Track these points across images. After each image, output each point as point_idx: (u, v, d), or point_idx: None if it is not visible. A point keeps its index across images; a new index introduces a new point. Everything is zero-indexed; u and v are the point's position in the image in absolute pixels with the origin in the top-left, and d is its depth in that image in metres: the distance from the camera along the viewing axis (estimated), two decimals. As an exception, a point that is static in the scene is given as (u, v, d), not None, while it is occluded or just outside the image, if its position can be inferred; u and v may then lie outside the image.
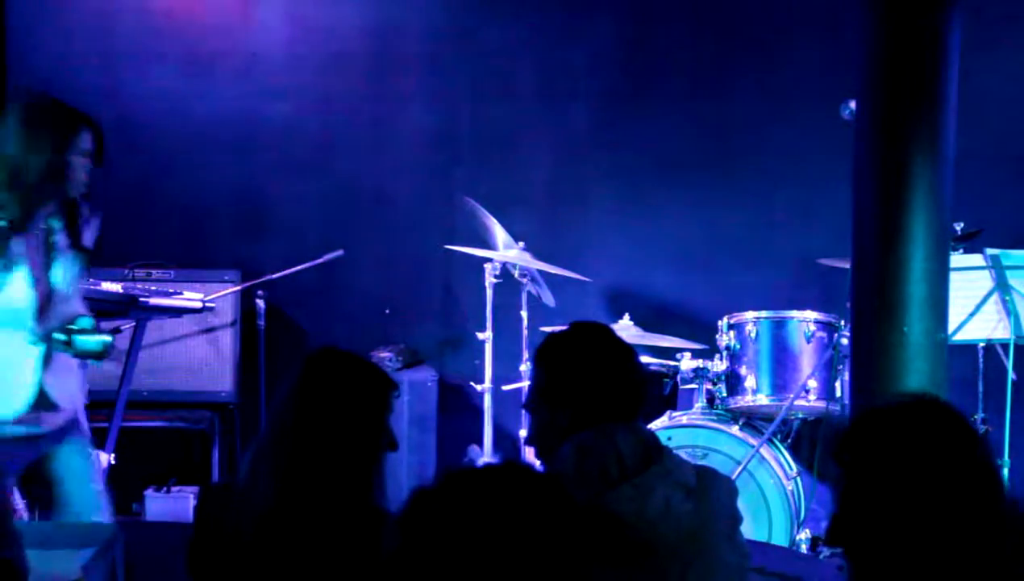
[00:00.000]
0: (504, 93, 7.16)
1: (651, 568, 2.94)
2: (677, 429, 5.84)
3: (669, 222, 7.08)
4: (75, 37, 7.08)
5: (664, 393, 6.26)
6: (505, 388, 6.17)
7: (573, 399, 3.07)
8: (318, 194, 7.13)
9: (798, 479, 5.83)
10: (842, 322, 5.78)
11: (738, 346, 5.98)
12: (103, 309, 5.75)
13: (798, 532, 5.72)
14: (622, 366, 3.12)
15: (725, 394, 5.98)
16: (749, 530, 5.46)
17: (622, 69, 7.13)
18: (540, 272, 6.20)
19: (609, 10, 7.14)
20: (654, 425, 5.83)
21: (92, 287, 5.74)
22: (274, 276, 6.35)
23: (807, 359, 5.90)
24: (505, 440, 6.39)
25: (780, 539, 5.70)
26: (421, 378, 6.63)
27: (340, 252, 6.42)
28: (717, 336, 6.07)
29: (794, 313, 5.97)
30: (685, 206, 7.07)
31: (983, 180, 6.41)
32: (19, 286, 4.26)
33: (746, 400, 5.93)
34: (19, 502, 5.58)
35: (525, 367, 6.07)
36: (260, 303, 6.35)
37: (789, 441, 6.09)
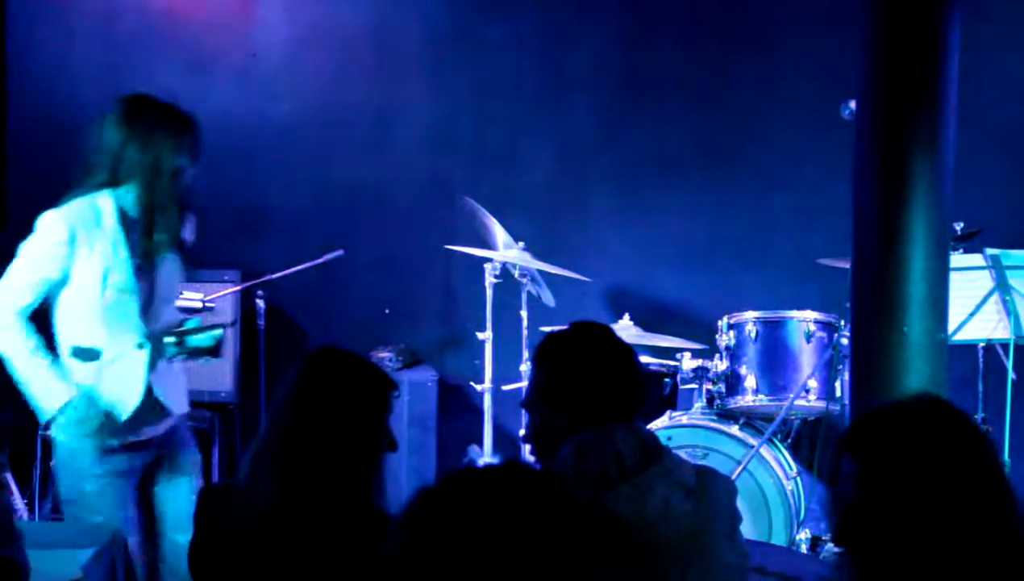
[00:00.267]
0: (504, 93, 7.16)
1: (651, 568, 2.94)
2: (677, 429, 5.84)
3: (669, 222, 7.09)
4: (75, 37, 7.08)
5: (664, 393, 6.26)
6: (505, 388, 6.17)
7: (572, 399, 3.07)
8: (318, 194, 7.13)
9: (798, 479, 5.83)
10: (842, 322, 5.78)
11: (738, 346, 5.98)
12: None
13: (798, 532, 5.72)
14: (622, 366, 3.12)
15: (725, 394, 5.98)
16: (749, 530, 5.46)
17: (622, 69, 7.14)
18: (540, 272, 6.20)
19: (609, 10, 7.14)
20: (654, 425, 5.83)
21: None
22: (274, 276, 6.35)
23: (807, 359, 5.90)
24: (505, 440, 6.40)
25: (780, 539, 5.70)
26: (421, 378, 6.63)
27: (340, 252, 6.41)
28: (717, 336, 6.07)
29: (794, 313, 5.97)
30: (685, 206, 7.08)
31: (983, 180, 6.42)
32: (129, 284, 4.18)
33: (746, 400, 5.93)
34: (19, 502, 5.59)
35: (525, 367, 6.07)
36: (260, 303, 6.35)
37: (789, 441, 6.09)
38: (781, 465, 5.81)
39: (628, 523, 2.92)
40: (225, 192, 7.08)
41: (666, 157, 7.08)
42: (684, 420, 5.91)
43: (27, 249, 4.22)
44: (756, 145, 7.01)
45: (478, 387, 6.17)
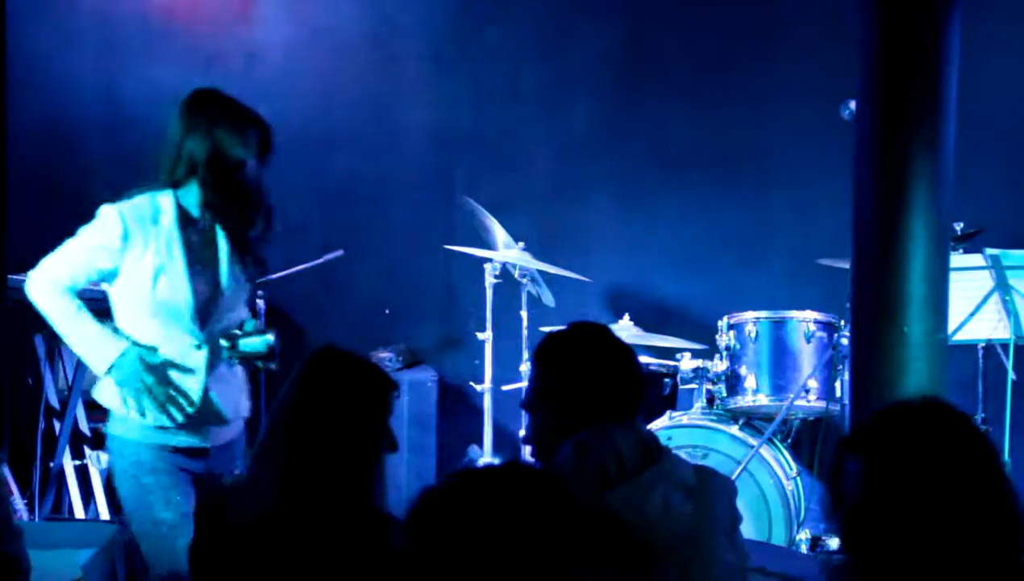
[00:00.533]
0: (504, 93, 7.16)
1: (650, 568, 2.94)
2: (677, 429, 5.84)
3: (669, 222, 7.09)
4: (75, 37, 7.08)
5: (664, 393, 6.25)
6: (505, 388, 6.17)
7: (572, 399, 3.07)
8: (318, 194, 7.13)
9: (798, 479, 5.83)
10: (842, 322, 5.78)
11: (738, 346, 5.98)
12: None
13: (798, 532, 5.72)
14: (621, 366, 3.12)
15: (725, 394, 5.98)
16: (749, 530, 5.46)
17: (622, 69, 7.14)
18: (540, 272, 6.20)
19: (609, 10, 7.14)
20: (654, 425, 5.83)
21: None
22: (274, 276, 6.34)
23: (807, 359, 5.90)
24: (505, 440, 6.39)
25: (780, 539, 5.70)
26: (421, 378, 6.63)
27: (340, 252, 6.41)
28: (717, 336, 6.06)
29: (794, 313, 5.97)
30: (685, 206, 7.08)
31: (983, 180, 6.42)
32: (182, 283, 4.10)
33: (746, 400, 5.93)
34: (19, 502, 5.59)
35: (525, 367, 6.07)
36: (260, 303, 6.35)
37: (789, 441, 6.09)
38: (781, 465, 5.81)
39: (628, 523, 2.92)
40: (225, 192, 7.07)
41: (666, 157, 7.08)
42: (684, 420, 5.91)
43: (81, 234, 4.19)
44: (756, 145, 7.01)
45: (478, 387, 6.17)
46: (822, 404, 5.84)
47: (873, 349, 4.36)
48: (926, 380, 4.29)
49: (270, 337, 4.15)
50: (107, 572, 4.36)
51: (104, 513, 5.84)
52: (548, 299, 6.30)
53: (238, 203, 4.16)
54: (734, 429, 5.83)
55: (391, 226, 7.13)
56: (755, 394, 5.92)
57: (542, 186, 7.12)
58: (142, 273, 4.08)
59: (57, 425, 5.79)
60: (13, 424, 6.05)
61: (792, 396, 5.78)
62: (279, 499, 3.00)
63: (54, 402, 5.83)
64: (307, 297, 7.00)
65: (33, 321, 5.81)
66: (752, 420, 5.97)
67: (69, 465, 5.81)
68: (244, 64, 7.11)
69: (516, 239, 6.16)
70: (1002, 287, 5.48)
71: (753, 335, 5.95)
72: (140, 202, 4.16)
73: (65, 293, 4.13)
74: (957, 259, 5.25)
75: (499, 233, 6.14)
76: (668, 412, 6.01)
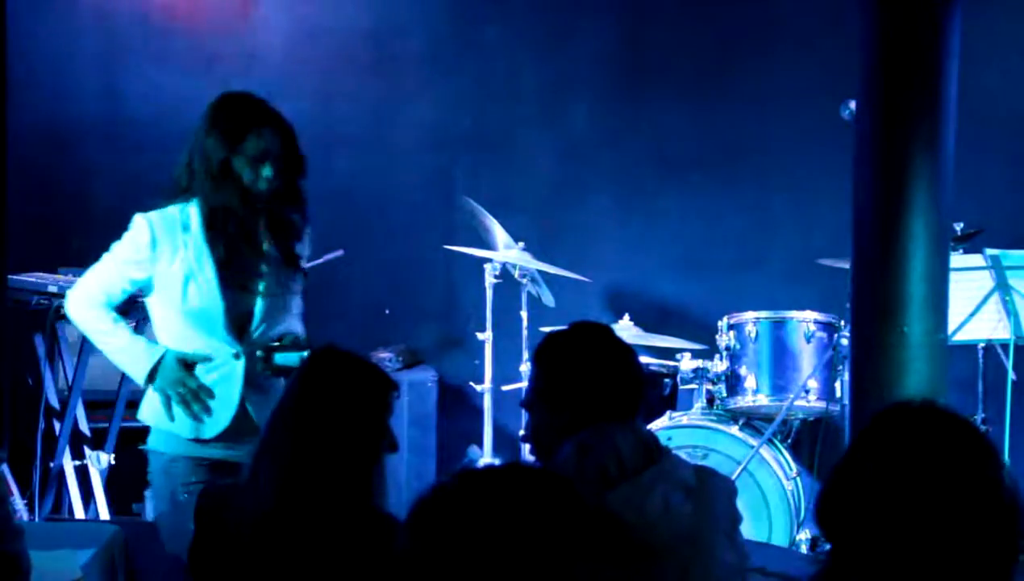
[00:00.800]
0: (504, 93, 7.16)
1: (650, 568, 2.94)
2: (677, 429, 5.83)
3: (669, 222, 7.08)
4: (75, 37, 7.07)
5: (664, 393, 6.25)
6: (505, 388, 6.17)
7: (572, 399, 3.07)
8: (318, 194, 7.11)
9: (798, 479, 5.83)
10: (842, 322, 5.77)
11: (738, 346, 5.98)
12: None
13: (798, 532, 5.72)
14: (621, 366, 3.12)
15: (725, 394, 5.98)
16: (749, 530, 5.46)
17: (622, 69, 7.13)
18: (540, 272, 6.20)
19: (609, 10, 7.14)
20: (654, 425, 5.83)
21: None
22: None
23: (807, 359, 5.89)
24: (505, 440, 6.39)
25: (780, 539, 5.70)
26: (421, 378, 6.63)
27: (340, 252, 6.41)
28: (717, 336, 6.06)
29: (794, 313, 5.97)
30: (685, 206, 7.08)
31: (983, 180, 6.41)
32: (213, 292, 4.02)
33: (746, 400, 5.93)
34: (19, 502, 5.59)
35: (525, 367, 6.07)
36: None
37: (789, 441, 6.08)
38: (781, 465, 5.81)
39: (628, 523, 2.92)
40: (225, 192, 7.07)
41: (666, 157, 7.08)
42: (684, 420, 5.91)
43: (114, 247, 4.15)
44: (756, 145, 7.01)
45: (478, 387, 6.17)
46: (822, 404, 5.84)
47: (873, 349, 4.36)
48: (926, 380, 4.29)
49: (307, 353, 3.99)
50: (107, 572, 4.36)
51: (104, 513, 5.84)
52: (548, 299, 6.30)
53: (249, 213, 4.05)
54: (734, 429, 5.82)
55: (391, 226, 7.13)
56: (755, 394, 5.92)
57: (542, 186, 7.12)
58: (172, 282, 4.05)
59: (57, 425, 5.78)
60: (13, 424, 6.05)
61: (792, 396, 5.78)
62: (279, 499, 3.00)
63: (54, 402, 5.83)
64: (307, 297, 6.98)
65: (33, 321, 5.84)
66: (752, 420, 5.97)
67: (69, 465, 5.81)
68: (244, 64, 7.11)
69: (516, 239, 6.16)
70: (1002, 287, 5.48)
71: (753, 335, 5.95)
72: (171, 211, 4.10)
73: (99, 308, 4.11)
74: (957, 259, 5.25)
75: (499, 233, 6.14)
76: (668, 412, 6.01)
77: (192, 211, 4.10)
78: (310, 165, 7.35)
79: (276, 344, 4.05)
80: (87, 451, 5.86)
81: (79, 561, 4.06)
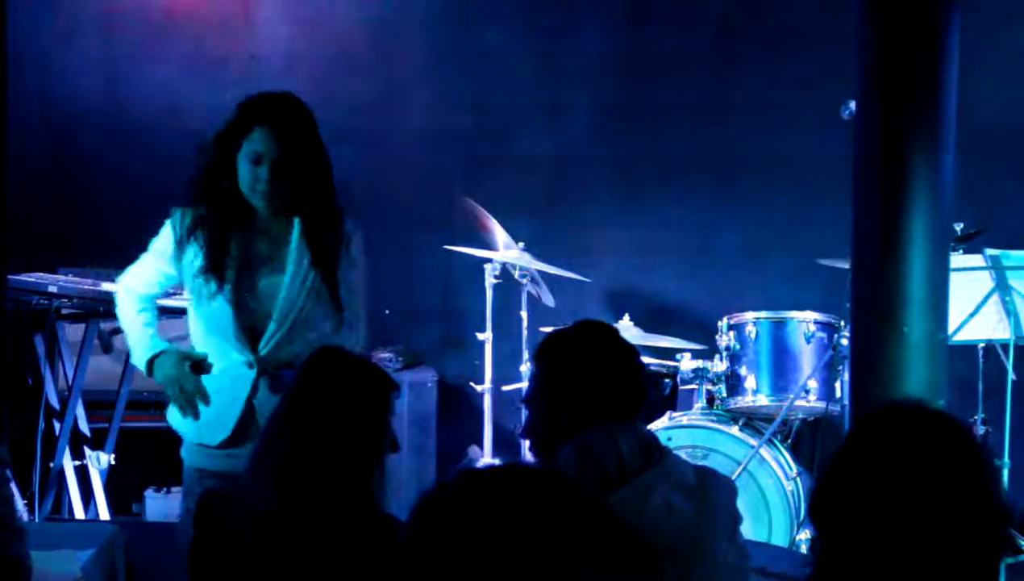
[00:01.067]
0: (504, 93, 7.16)
1: (651, 569, 2.94)
2: (677, 429, 5.83)
3: (669, 222, 7.08)
4: (76, 37, 7.07)
5: (664, 393, 6.25)
6: (505, 389, 6.17)
7: (573, 398, 3.07)
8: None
9: (798, 479, 5.83)
10: (842, 322, 5.77)
11: (738, 346, 5.98)
12: (103, 310, 5.74)
13: (798, 532, 5.72)
14: (624, 366, 3.12)
15: (725, 395, 5.98)
16: (749, 530, 5.46)
17: (622, 69, 7.13)
18: (540, 272, 6.20)
19: (609, 9, 7.14)
20: (654, 425, 5.83)
21: (91, 288, 5.74)
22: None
23: (807, 359, 5.89)
24: (505, 440, 6.39)
25: (780, 539, 5.70)
26: (421, 378, 6.63)
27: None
28: (717, 336, 6.06)
29: (794, 313, 5.97)
30: (685, 206, 7.07)
31: (983, 180, 6.42)
32: (226, 297, 3.89)
33: (746, 401, 5.93)
34: (19, 502, 5.59)
35: (525, 367, 6.07)
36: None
37: (789, 442, 6.08)
38: (781, 466, 5.80)
39: (629, 524, 2.92)
40: (225, 192, 7.07)
41: (666, 157, 7.08)
42: (684, 421, 5.91)
43: (154, 239, 4.10)
44: (756, 145, 7.01)
45: (478, 388, 6.17)
46: (822, 405, 5.84)
47: (873, 349, 4.36)
48: (926, 380, 4.30)
49: None
50: (107, 572, 4.36)
51: (104, 513, 5.84)
52: (548, 299, 6.30)
53: (312, 218, 3.93)
54: (734, 430, 5.82)
55: (391, 226, 7.13)
56: (755, 394, 5.92)
57: (542, 186, 7.12)
58: (193, 281, 3.96)
59: (57, 425, 5.79)
60: (13, 424, 6.05)
61: (792, 396, 5.78)
62: (279, 499, 3.00)
63: (54, 402, 5.83)
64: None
65: (33, 321, 5.84)
66: (752, 420, 5.97)
67: (69, 465, 5.81)
68: (244, 64, 7.11)
69: (516, 239, 6.16)
70: (1002, 287, 5.48)
71: (753, 335, 5.95)
72: (200, 210, 3.98)
73: (131, 297, 4.07)
74: (957, 259, 5.25)
75: (499, 233, 6.14)
76: (668, 412, 6.01)
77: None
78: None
79: (286, 360, 3.86)
80: (87, 451, 5.86)
81: (79, 561, 4.06)
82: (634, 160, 7.10)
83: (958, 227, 5.44)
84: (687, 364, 6.06)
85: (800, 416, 6.06)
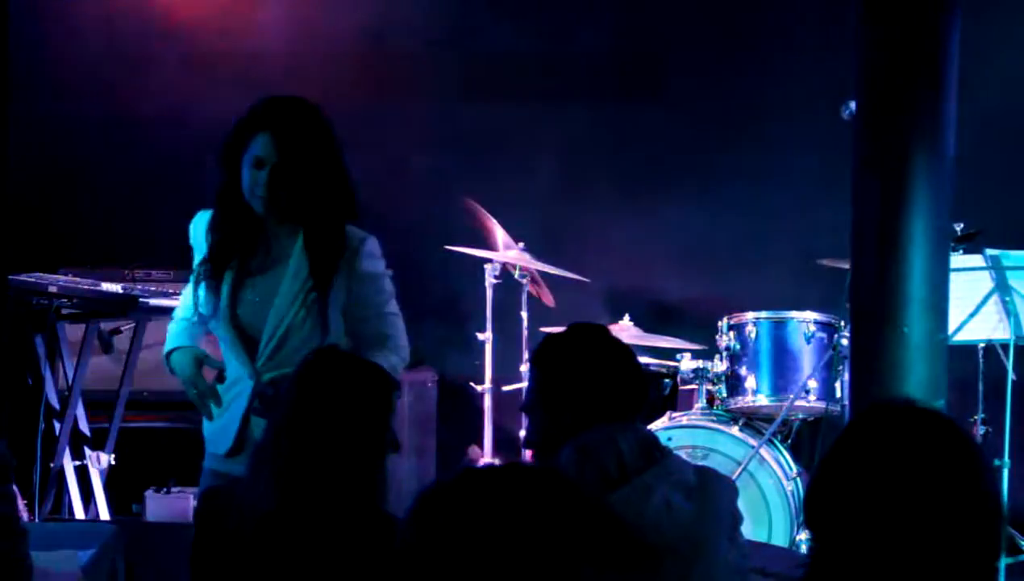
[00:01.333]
0: (504, 93, 7.15)
1: (651, 569, 2.94)
2: (677, 429, 5.83)
3: (669, 222, 7.08)
4: (76, 38, 7.07)
5: (664, 393, 6.25)
6: (505, 389, 6.17)
7: (571, 401, 3.07)
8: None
9: (798, 480, 5.83)
10: (842, 322, 5.77)
11: (738, 346, 5.98)
12: (103, 310, 5.75)
13: (798, 533, 5.72)
14: (620, 367, 3.12)
15: (725, 395, 5.98)
16: (749, 531, 5.45)
17: (622, 69, 7.13)
18: (540, 272, 6.20)
19: (609, 9, 7.14)
20: (654, 426, 5.83)
21: (91, 288, 5.74)
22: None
23: (807, 360, 5.89)
24: (505, 441, 6.39)
25: (780, 540, 5.70)
26: (421, 378, 6.63)
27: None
28: (717, 336, 6.06)
29: (794, 313, 5.97)
30: (685, 206, 7.07)
31: (983, 180, 6.41)
32: (218, 305, 3.78)
33: (746, 401, 5.93)
34: (19, 502, 5.59)
35: (525, 368, 6.07)
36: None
37: (789, 442, 6.08)
38: (781, 466, 5.80)
39: (629, 524, 2.92)
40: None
41: (666, 157, 7.08)
42: (684, 421, 5.91)
43: None
44: (756, 145, 7.01)
45: (478, 388, 6.17)
46: (822, 404, 5.84)
47: (873, 349, 4.36)
48: (926, 380, 4.30)
49: None
50: (107, 572, 4.36)
51: (104, 513, 5.84)
52: (548, 299, 6.30)
53: (240, 221, 3.78)
54: (734, 430, 5.82)
55: (391, 226, 7.12)
56: (755, 394, 5.92)
57: (542, 186, 7.12)
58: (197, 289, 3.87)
59: (57, 425, 5.79)
60: (13, 424, 6.05)
61: (792, 397, 5.78)
62: (280, 499, 3.00)
63: (54, 402, 5.83)
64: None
65: (33, 321, 5.84)
66: (752, 421, 5.96)
67: (69, 465, 5.81)
68: (244, 65, 7.10)
69: (516, 239, 6.16)
70: (1002, 288, 5.48)
71: (753, 335, 5.95)
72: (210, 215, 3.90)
73: (183, 296, 4.01)
74: (957, 259, 5.25)
75: (499, 233, 6.14)
76: (668, 412, 6.01)
77: None
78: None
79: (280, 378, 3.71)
80: (87, 451, 5.86)
81: (79, 561, 4.06)
82: (634, 160, 7.10)
83: (958, 227, 5.43)
84: (687, 364, 6.06)
85: (800, 416, 6.06)
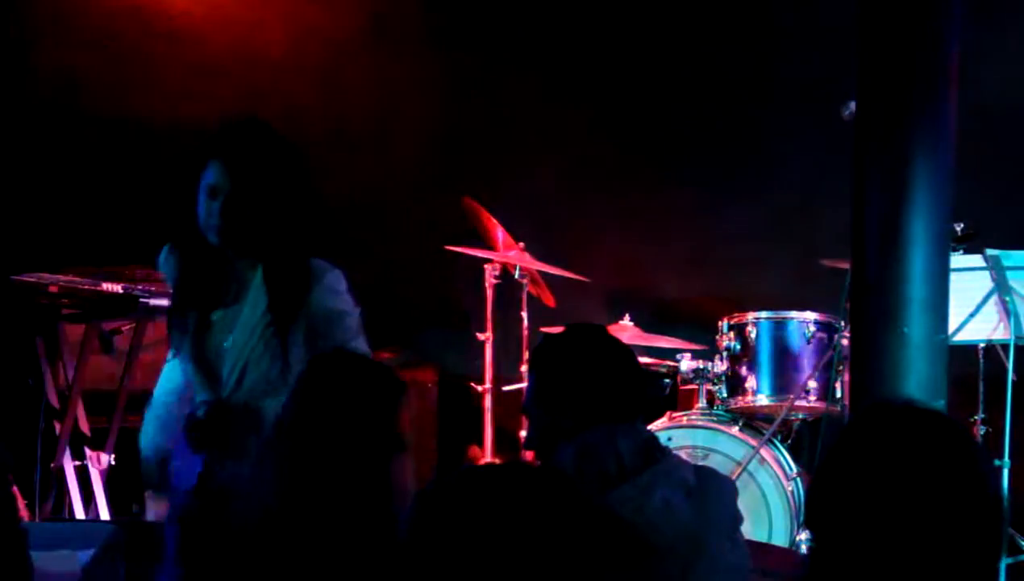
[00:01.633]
0: (504, 93, 7.16)
1: (651, 568, 2.94)
2: (677, 429, 5.84)
3: (669, 222, 7.08)
4: (77, 39, 7.07)
5: (664, 393, 6.26)
6: (505, 388, 6.17)
7: (570, 402, 3.07)
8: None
9: (798, 480, 5.83)
10: (842, 322, 5.77)
11: (738, 346, 5.98)
12: (103, 310, 5.75)
13: (798, 533, 5.72)
14: (618, 367, 3.12)
15: (725, 395, 5.98)
16: (749, 530, 5.45)
17: (622, 69, 7.13)
18: (540, 272, 6.20)
19: (609, 9, 7.14)
20: (654, 426, 5.83)
21: (91, 288, 5.74)
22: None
23: (807, 360, 5.89)
24: (505, 440, 6.39)
25: (780, 539, 5.70)
26: (421, 378, 6.63)
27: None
28: (717, 336, 6.06)
29: (794, 313, 5.96)
30: (685, 206, 7.07)
31: (983, 180, 6.41)
32: (174, 334, 3.65)
33: (746, 401, 5.93)
34: (19, 502, 5.59)
35: (525, 367, 6.07)
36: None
37: (789, 442, 6.09)
38: (781, 466, 5.81)
39: (629, 524, 2.92)
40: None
41: (666, 157, 7.08)
42: (684, 421, 5.91)
43: None
44: (757, 145, 7.01)
45: (478, 387, 6.17)
46: (822, 405, 5.84)
47: (873, 349, 4.36)
48: (926, 380, 4.30)
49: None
50: (107, 572, 4.36)
51: (104, 513, 5.84)
52: (548, 299, 6.30)
53: (271, 255, 3.61)
54: (734, 430, 5.82)
55: (391, 226, 7.13)
56: (755, 395, 5.92)
57: (542, 186, 7.12)
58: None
59: (57, 425, 5.79)
60: (13, 424, 6.05)
61: (792, 397, 5.78)
62: (283, 500, 3.00)
63: (54, 402, 5.83)
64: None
65: (33, 321, 5.84)
66: (752, 421, 5.97)
67: (69, 465, 5.82)
68: (244, 65, 7.11)
69: (516, 239, 6.16)
70: (1002, 287, 5.48)
71: (753, 335, 5.95)
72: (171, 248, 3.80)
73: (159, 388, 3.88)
74: (957, 259, 5.25)
75: (499, 233, 6.14)
76: (668, 412, 6.01)
77: None
78: (310, 165, 7.35)
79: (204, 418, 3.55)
80: (87, 451, 5.87)
81: (79, 561, 4.07)
82: (634, 160, 7.10)
83: (958, 227, 5.43)
84: (687, 364, 6.06)
85: (800, 416, 6.06)
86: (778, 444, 5.91)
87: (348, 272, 7.13)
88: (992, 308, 5.50)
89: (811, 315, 5.93)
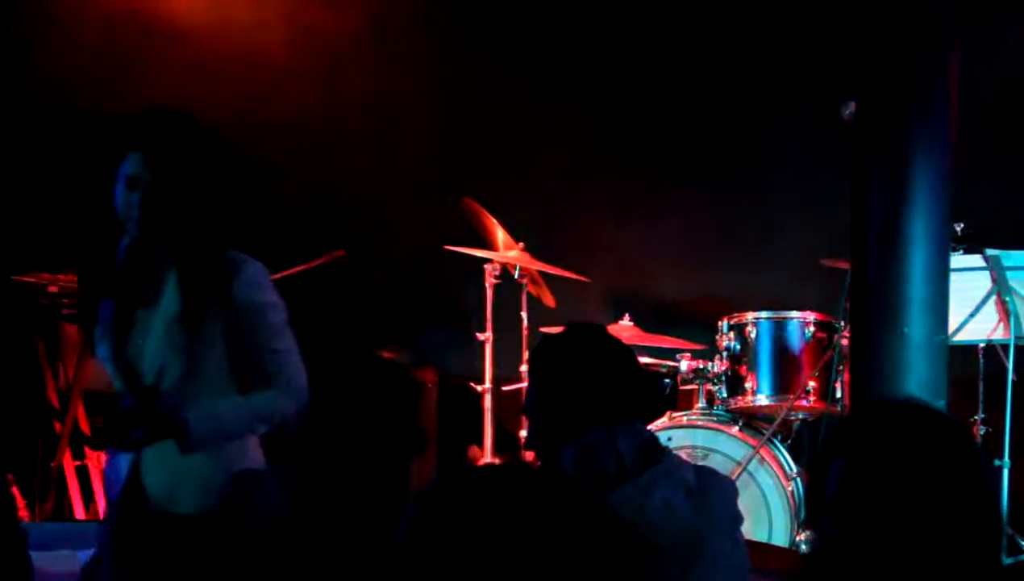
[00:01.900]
0: (505, 93, 7.16)
1: (651, 569, 2.94)
2: (677, 429, 5.83)
3: (669, 222, 7.08)
4: (76, 39, 7.07)
5: (664, 394, 6.25)
6: (505, 388, 6.17)
7: (570, 402, 3.07)
8: (318, 194, 7.13)
9: (798, 479, 5.83)
10: (842, 322, 5.77)
11: (738, 346, 5.98)
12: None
13: (798, 532, 5.72)
14: (618, 367, 3.12)
15: (725, 395, 5.98)
16: (749, 530, 5.45)
17: (621, 69, 7.13)
18: (540, 272, 6.20)
19: (609, 9, 7.14)
20: (654, 426, 5.83)
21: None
22: (274, 276, 6.33)
23: (807, 360, 5.89)
24: (505, 440, 6.39)
25: (780, 539, 5.70)
26: (421, 378, 6.63)
27: (340, 252, 6.41)
28: (717, 336, 6.06)
29: (794, 313, 5.96)
30: (685, 206, 7.07)
31: (983, 180, 6.41)
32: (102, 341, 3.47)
33: (746, 401, 5.93)
34: (19, 502, 5.59)
35: (525, 367, 6.07)
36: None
37: (789, 442, 6.08)
38: (781, 465, 5.80)
39: (629, 524, 2.92)
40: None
41: (666, 157, 7.08)
42: (684, 421, 5.91)
43: None
44: (757, 145, 7.01)
45: (478, 387, 6.17)
46: (822, 405, 5.84)
47: (873, 349, 4.37)
48: (926, 380, 4.30)
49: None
50: (107, 572, 4.36)
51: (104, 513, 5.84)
52: (548, 299, 6.30)
53: (182, 252, 3.44)
54: (734, 430, 5.82)
55: (391, 226, 7.13)
56: (755, 394, 5.92)
57: (542, 186, 7.12)
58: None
59: (57, 425, 5.79)
60: (13, 424, 6.05)
61: (792, 397, 5.78)
62: (290, 503, 3.00)
63: (54, 402, 5.84)
64: (307, 297, 6.99)
65: (33, 321, 5.84)
66: (752, 421, 5.97)
67: (69, 465, 5.82)
68: (244, 65, 7.11)
69: (516, 239, 6.16)
70: (1002, 288, 5.48)
71: (753, 335, 5.95)
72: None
73: None
74: (957, 259, 5.25)
75: (499, 233, 6.14)
76: (668, 412, 6.01)
77: None
78: (310, 165, 7.37)
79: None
80: (87, 451, 5.87)
81: (79, 561, 4.07)
82: (634, 160, 7.10)
83: (958, 227, 5.44)
84: (687, 364, 6.06)
85: (800, 416, 6.06)
86: (778, 444, 5.91)
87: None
88: (992, 308, 5.50)
89: (811, 315, 5.93)
